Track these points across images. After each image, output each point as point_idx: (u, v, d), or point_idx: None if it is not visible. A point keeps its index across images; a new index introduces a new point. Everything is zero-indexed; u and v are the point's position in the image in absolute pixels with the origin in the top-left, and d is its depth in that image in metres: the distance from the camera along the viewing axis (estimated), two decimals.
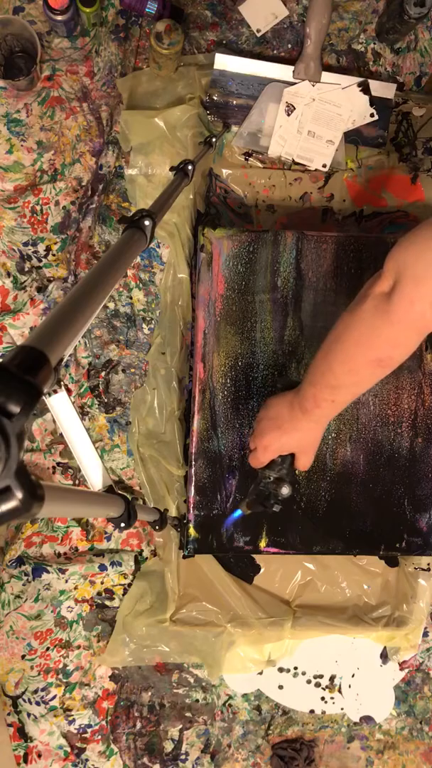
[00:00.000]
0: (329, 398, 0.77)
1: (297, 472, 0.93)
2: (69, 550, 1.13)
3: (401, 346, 0.70)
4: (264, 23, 1.18)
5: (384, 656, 1.17)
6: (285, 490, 0.85)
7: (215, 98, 1.15)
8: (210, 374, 1.02)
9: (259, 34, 1.18)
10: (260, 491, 0.87)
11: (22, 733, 1.11)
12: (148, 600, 1.11)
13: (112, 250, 0.58)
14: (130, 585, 1.13)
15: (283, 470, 0.85)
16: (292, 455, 0.84)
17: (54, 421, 1.11)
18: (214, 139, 1.06)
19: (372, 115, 1.16)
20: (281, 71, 1.14)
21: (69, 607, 1.11)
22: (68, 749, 1.10)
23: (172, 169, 0.85)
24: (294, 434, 0.82)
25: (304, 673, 1.16)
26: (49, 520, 1.12)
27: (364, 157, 1.18)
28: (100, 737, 1.12)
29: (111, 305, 1.15)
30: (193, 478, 1.02)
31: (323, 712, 1.16)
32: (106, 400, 1.14)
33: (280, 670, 1.15)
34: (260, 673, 1.14)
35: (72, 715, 1.11)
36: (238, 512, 0.92)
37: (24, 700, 1.11)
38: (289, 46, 1.19)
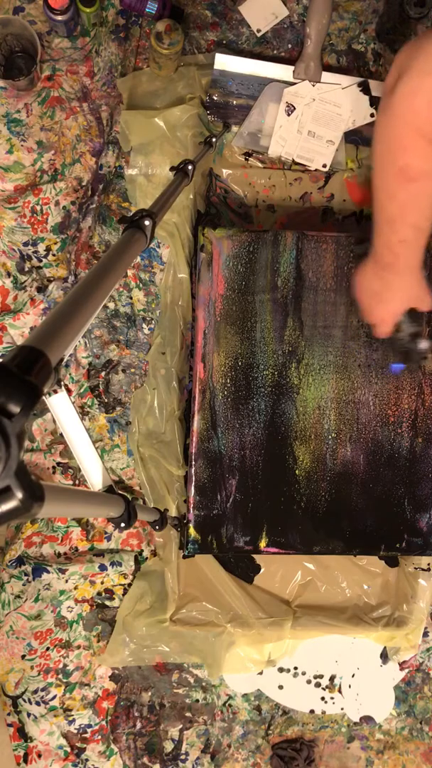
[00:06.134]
0: (397, 238, 0.75)
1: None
2: (69, 550, 1.13)
3: (409, 148, 0.67)
4: (264, 23, 1.18)
5: (384, 656, 1.17)
6: (423, 345, 0.87)
7: (215, 98, 1.15)
8: (210, 374, 1.02)
9: (259, 34, 1.18)
10: (402, 351, 0.90)
11: (22, 733, 1.11)
12: (148, 600, 1.11)
13: (112, 250, 0.58)
14: (130, 585, 1.13)
15: (413, 327, 0.86)
16: (413, 309, 0.85)
17: (54, 421, 1.11)
18: (214, 139, 1.06)
19: (372, 115, 1.16)
20: (281, 71, 1.14)
21: (69, 607, 1.11)
22: (68, 749, 1.10)
23: (172, 169, 0.85)
24: (396, 297, 0.82)
25: (304, 673, 1.16)
26: (49, 520, 1.12)
27: (365, 157, 1.18)
28: (100, 737, 1.12)
29: (111, 305, 1.15)
30: (193, 478, 1.02)
31: (323, 712, 1.16)
32: (106, 400, 1.14)
33: (280, 670, 1.15)
34: (260, 673, 1.14)
35: (72, 715, 1.11)
36: (400, 366, 0.96)
37: (24, 700, 1.11)
38: (289, 46, 1.19)
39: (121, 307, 1.15)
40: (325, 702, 1.16)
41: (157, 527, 0.89)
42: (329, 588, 1.14)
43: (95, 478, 0.65)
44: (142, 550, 1.14)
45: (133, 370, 1.15)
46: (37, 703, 1.11)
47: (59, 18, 1.06)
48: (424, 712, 1.19)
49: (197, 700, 1.14)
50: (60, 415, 0.61)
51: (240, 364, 1.02)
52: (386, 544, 1.04)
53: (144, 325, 1.15)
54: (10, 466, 0.31)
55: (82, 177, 1.14)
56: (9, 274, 1.12)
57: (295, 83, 1.13)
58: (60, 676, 1.11)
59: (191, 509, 1.02)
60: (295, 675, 1.15)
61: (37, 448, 1.13)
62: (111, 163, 1.14)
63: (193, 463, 1.02)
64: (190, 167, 0.84)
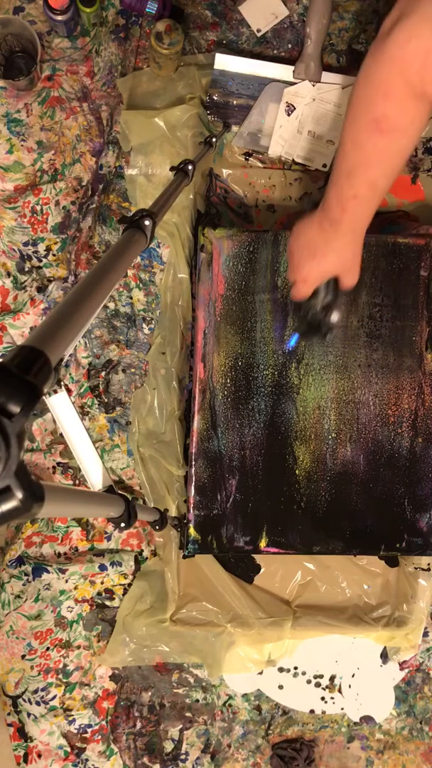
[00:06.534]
0: (350, 193, 0.71)
1: (346, 296, 0.88)
2: (69, 550, 1.13)
3: (391, 98, 0.63)
4: (264, 23, 1.18)
5: (384, 656, 1.17)
6: (335, 317, 0.83)
7: (215, 98, 1.15)
8: (210, 374, 1.02)
9: (259, 34, 1.18)
10: (309, 323, 0.86)
11: (22, 733, 1.11)
12: (148, 600, 1.11)
13: (112, 250, 0.58)
14: (130, 585, 1.13)
15: (329, 297, 0.82)
16: (335, 279, 0.81)
17: (54, 421, 1.11)
18: (214, 139, 1.06)
19: None
20: (281, 71, 1.13)
21: (69, 607, 1.11)
22: (68, 749, 1.11)
23: (172, 169, 0.85)
24: (331, 256, 0.78)
25: (304, 673, 1.16)
26: (49, 520, 1.12)
27: None
28: (100, 737, 1.12)
29: (111, 305, 1.15)
30: (193, 478, 1.02)
31: (323, 712, 1.16)
32: (106, 400, 1.14)
33: (280, 670, 1.15)
34: (260, 673, 1.14)
35: (72, 715, 1.11)
36: (295, 336, 0.92)
37: (24, 700, 1.11)
38: (289, 46, 1.19)
39: (121, 307, 1.15)
40: (325, 702, 1.16)
41: (157, 527, 0.89)
42: (329, 588, 1.14)
43: (95, 478, 0.65)
44: (142, 550, 1.14)
45: (133, 370, 1.15)
46: (37, 703, 1.11)
47: (59, 18, 1.06)
48: (424, 712, 1.19)
49: (197, 700, 1.14)
50: (60, 415, 0.61)
51: (240, 364, 1.02)
52: (386, 544, 1.04)
53: (144, 325, 1.15)
54: (10, 466, 0.31)
55: (82, 177, 1.14)
56: (9, 274, 1.12)
57: (295, 83, 1.13)
58: (60, 676, 1.11)
59: (191, 509, 1.02)
60: (295, 675, 1.15)
61: (37, 448, 1.13)
62: (111, 163, 1.14)
63: (193, 463, 1.02)
64: (190, 167, 0.84)
